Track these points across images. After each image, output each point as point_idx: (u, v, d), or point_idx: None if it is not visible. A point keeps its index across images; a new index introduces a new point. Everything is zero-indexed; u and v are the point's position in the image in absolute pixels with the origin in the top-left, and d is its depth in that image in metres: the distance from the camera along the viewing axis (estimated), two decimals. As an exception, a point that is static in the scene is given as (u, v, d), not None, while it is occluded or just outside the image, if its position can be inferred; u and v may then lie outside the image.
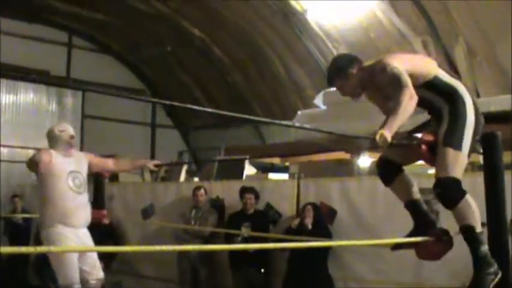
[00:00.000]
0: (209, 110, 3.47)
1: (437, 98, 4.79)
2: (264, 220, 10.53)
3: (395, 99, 4.61)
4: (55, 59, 20.17)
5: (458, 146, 4.62)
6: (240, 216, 10.61)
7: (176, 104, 3.34)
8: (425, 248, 4.85)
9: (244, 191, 10.71)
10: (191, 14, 18.87)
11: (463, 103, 4.75)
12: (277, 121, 4.10)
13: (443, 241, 4.88)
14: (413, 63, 4.88)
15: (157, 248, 3.39)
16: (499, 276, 4.64)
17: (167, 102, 3.04)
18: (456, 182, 4.49)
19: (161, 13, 18.97)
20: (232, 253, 10.39)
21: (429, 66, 4.94)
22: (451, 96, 4.76)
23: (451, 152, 4.63)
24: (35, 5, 18.88)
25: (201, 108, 3.66)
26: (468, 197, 4.57)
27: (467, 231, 4.64)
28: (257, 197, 10.69)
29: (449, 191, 4.50)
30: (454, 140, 4.64)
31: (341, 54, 5.55)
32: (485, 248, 4.65)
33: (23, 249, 2.70)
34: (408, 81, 4.62)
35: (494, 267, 4.63)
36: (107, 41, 21.68)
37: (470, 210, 4.56)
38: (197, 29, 19.39)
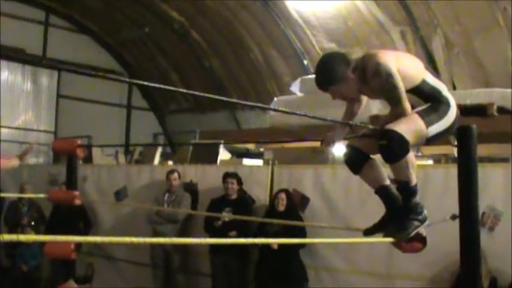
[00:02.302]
0: (184, 91, 3.39)
1: (422, 102, 4.75)
2: (246, 206, 10.48)
3: (394, 112, 4.61)
4: (31, 37, 20.02)
5: (427, 122, 4.59)
6: (222, 201, 10.56)
7: (152, 85, 3.26)
8: (400, 244, 4.85)
9: (226, 176, 10.65)
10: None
11: (447, 104, 4.74)
12: (253, 103, 4.03)
13: (419, 239, 4.89)
14: (404, 64, 4.69)
15: (133, 239, 3.33)
16: (425, 224, 4.74)
17: (144, 83, 2.94)
18: (403, 139, 4.40)
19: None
20: (213, 238, 10.33)
21: (418, 70, 4.77)
22: (435, 98, 4.73)
23: (417, 119, 4.59)
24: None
25: (178, 90, 3.63)
26: (411, 154, 4.55)
27: (403, 185, 4.65)
28: (239, 182, 10.65)
29: (394, 146, 4.43)
30: (426, 115, 4.62)
31: (331, 55, 5.00)
32: (416, 198, 4.70)
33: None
34: (403, 96, 4.55)
35: (422, 215, 4.72)
36: (86, 21, 21.57)
37: (408, 168, 4.54)
38: (176, 12, 19.32)
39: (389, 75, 4.53)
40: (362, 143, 4.88)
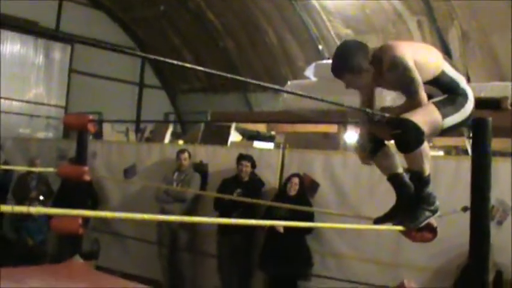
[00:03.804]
0: (197, 67, 3.31)
1: (440, 93, 4.71)
2: (256, 188, 10.46)
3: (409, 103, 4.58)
4: (45, 10, 19.90)
5: (443, 113, 4.56)
6: (233, 182, 10.55)
7: (165, 59, 3.22)
8: (410, 233, 4.84)
9: (241, 158, 10.64)
10: (187, -24, 18.77)
11: (465, 96, 4.70)
12: (268, 84, 3.96)
13: (430, 229, 4.87)
14: (421, 56, 4.65)
15: (141, 216, 3.31)
16: (437, 214, 4.74)
17: (157, 57, 2.89)
18: (418, 129, 4.39)
19: (157, -27, 18.87)
20: (222, 218, 10.34)
21: (437, 60, 4.73)
22: (453, 89, 4.70)
23: (433, 110, 4.56)
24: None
25: (192, 67, 3.57)
26: (425, 145, 4.53)
27: (416, 175, 4.64)
28: (253, 165, 10.63)
29: (409, 136, 4.41)
30: (443, 106, 4.60)
31: (352, 43, 4.86)
32: (429, 188, 4.69)
33: None
34: (420, 88, 4.53)
35: (434, 206, 4.72)
36: (100, -3, 21.51)
37: (422, 158, 4.53)
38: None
39: (405, 69, 4.51)
40: (377, 129, 4.84)
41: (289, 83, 13.39)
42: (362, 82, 4.71)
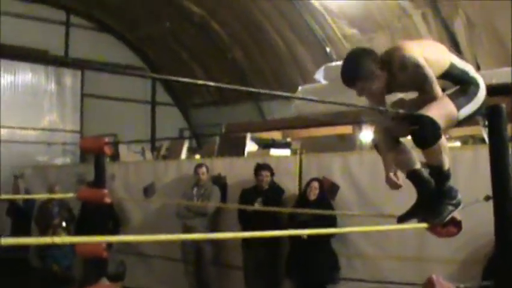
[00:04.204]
0: (210, 83, 3.29)
1: (451, 85, 4.70)
2: (277, 196, 10.45)
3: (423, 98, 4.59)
4: (53, 38, 20.10)
5: (457, 105, 4.55)
6: (253, 192, 10.55)
7: (176, 79, 3.22)
8: (435, 229, 4.81)
9: (260, 168, 10.63)
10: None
11: (476, 84, 4.69)
12: (281, 93, 3.92)
13: (454, 223, 4.85)
14: (429, 52, 4.64)
15: (165, 237, 3.31)
16: (460, 207, 4.73)
17: (169, 77, 2.93)
18: (435, 124, 4.36)
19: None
20: (245, 229, 10.33)
21: (444, 54, 4.75)
22: (464, 80, 4.69)
23: (448, 102, 4.55)
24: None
25: (204, 83, 3.56)
26: (443, 139, 4.51)
27: (436, 170, 4.63)
28: (272, 174, 10.64)
29: (427, 131, 4.39)
30: (457, 97, 4.59)
31: (359, 50, 4.83)
32: (450, 182, 4.69)
33: (24, 240, 2.64)
34: (435, 83, 4.53)
35: (457, 199, 4.71)
36: (106, 19, 21.61)
37: (441, 152, 4.51)
38: (196, 5, 19.29)
39: (417, 66, 4.51)
40: (393, 126, 4.82)
41: (300, 88, 13.37)
42: (374, 88, 4.67)
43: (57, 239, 2.88)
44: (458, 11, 14.26)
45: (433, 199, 4.71)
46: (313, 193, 9.77)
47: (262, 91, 4.16)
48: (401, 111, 4.62)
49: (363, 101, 5.11)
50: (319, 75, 12.81)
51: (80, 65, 20.49)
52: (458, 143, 11.44)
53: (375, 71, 4.60)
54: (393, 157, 4.91)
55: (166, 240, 9.59)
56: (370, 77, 4.59)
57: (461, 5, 14.20)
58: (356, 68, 4.61)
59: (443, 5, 14.51)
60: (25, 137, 19.06)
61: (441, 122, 4.41)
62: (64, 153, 20.08)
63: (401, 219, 4.85)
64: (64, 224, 12.74)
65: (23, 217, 13.77)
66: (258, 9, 18.36)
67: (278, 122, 14.65)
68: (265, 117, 20.12)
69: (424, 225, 4.70)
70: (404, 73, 4.57)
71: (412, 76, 4.55)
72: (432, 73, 4.53)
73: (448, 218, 4.69)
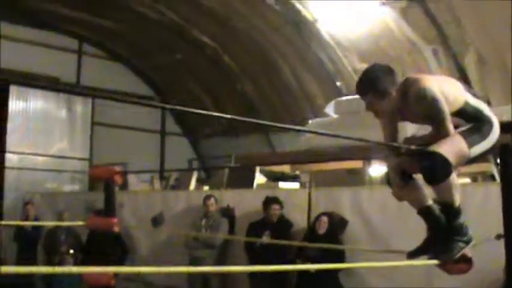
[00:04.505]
0: (221, 115, 3.31)
1: (465, 123, 4.73)
2: (285, 229, 10.43)
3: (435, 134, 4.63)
4: (65, 66, 20.20)
5: (469, 143, 4.58)
6: (261, 225, 10.54)
7: (185, 109, 3.24)
8: (445, 265, 4.81)
9: (269, 201, 10.63)
10: (201, 22, 18.89)
11: (490, 123, 4.72)
12: (292, 126, 3.93)
13: (465, 260, 4.84)
14: (446, 89, 4.69)
15: (171, 269, 3.33)
16: (471, 243, 4.71)
17: (178, 107, 2.91)
18: (446, 161, 4.39)
19: (172, 21, 19.00)
20: (252, 261, 10.32)
21: (460, 92, 4.78)
22: (478, 119, 4.72)
23: (460, 140, 4.57)
24: (46, 12, 18.93)
25: (212, 114, 3.58)
26: (454, 176, 4.53)
27: (447, 206, 4.64)
28: (282, 207, 10.63)
29: (437, 168, 4.40)
30: (469, 135, 4.61)
31: (382, 65, 4.92)
32: (461, 219, 4.68)
33: (25, 269, 2.66)
34: (448, 119, 4.58)
35: (467, 236, 4.69)
36: (117, 48, 21.73)
37: (451, 189, 4.53)
38: (207, 37, 19.39)
39: (434, 100, 4.55)
40: (404, 163, 4.84)
41: (310, 121, 13.42)
42: (382, 106, 4.72)
43: (59, 269, 2.90)
44: (469, 48, 14.32)
45: (444, 236, 4.71)
46: (322, 227, 9.75)
47: (272, 124, 4.08)
48: (412, 146, 4.65)
49: (372, 136, 5.13)
50: (329, 109, 12.86)
51: (92, 94, 20.52)
52: (467, 180, 11.44)
53: (390, 90, 4.66)
54: (406, 193, 4.93)
55: (173, 272, 9.62)
56: (383, 93, 4.67)
57: (472, 42, 14.25)
58: (374, 80, 4.70)
59: (454, 42, 14.56)
60: (35, 164, 19.10)
61: (452, 158, 4.43)
62: (72, 180, 20.09)
63: (411, 255, 4.85)
64: (71, 251, 12.75)
65: (30, 243, 13.76)
66: (270, 43, 18.45)
67: (288, 155, 14.66)
68: (274, 150, 20.12)
69: (435, 261, 4.70)
70: (419, 105, 4.61)
71: (427, 109, 4.59)
72: (447, 109, 4.56)
73: (458, 255, 4.68)
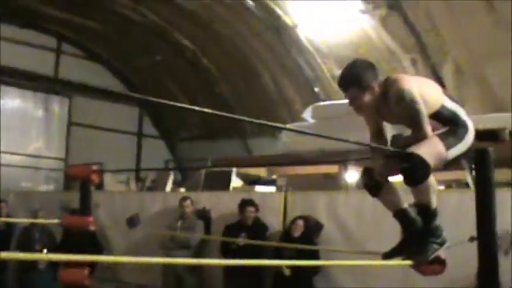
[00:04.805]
0: (196, 108, 3.30)
1: (440, 126, 4.80)
2: (260, 232, 10.46)
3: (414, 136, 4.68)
4: (43, 64, 20.13)
5: (447, 145, 4.65)
6: (237, 227, 10.56)
7: (158, 100, 3.24)
8: (420, 266, 4.87)
9: (244, 203, 10.67)
10: (182, 25, 18.92)
11: (465, 127, 4.79)
12: (267, 122, 3.92)
13: (439, 262, 4.90)
14: (425, 90, 4.76)
15: (144, 259, 3.34)
16: (445, 245, 4.80)
17: (152, 99, 2.86)
18: (425, 163, 4.44)
19: (153, 23, 19.02)
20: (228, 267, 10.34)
21: (437, 95, 4.85)
22: (454, 121, 4.79)
23: (437, 142, 4.64)
24: (26, 10, 18.87)
25: (186, 106, 3.57)
26: (432, 178, 4.60)
27: (424, 208, 4.72)
28: (257, 209, 10.67)
29: (416, 169, 4.46)
30: (446, 138, 4.69)
31: (364, 60, 5.00)
32: (437, 221, 4.77)
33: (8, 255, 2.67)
34: (426, 121, 4.64)
35: (441, 238, 4.78)
36: (97, 49, 21.69)
37: (429, 191, 4.62)
38: (188, 40, 19.41)
39: (413, 101, 4.61)
40: (380, 165, 4.89)
41: (288, 126, 13.47)
42: (365, 101, 4.77)
43: (43, 256, 2.93)
44: (447, 58, 14.43)
45: (419, 237, 4.77)
46: (298, 230, 9.81)
47: (249, 120, 4.04)
48: (391, 148, 4.71)
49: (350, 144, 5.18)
50: (307, 114, 12.91)
51: (67, 92, 20.49)
52: (442, 187, 11.53)
53: (372, 84, 4.72)
54: (381, 196, 4.98)
55: (148, 263, 9.62)
56: (365, 87, 4.72)
57: (450, 51, 14.37)
58: (356, 73, 4.75)
59: (433, 51, 14.68)
60: (9, 162, 19.01)
61: (430, 160, 4.49)
62: (47, 180, 20.02)
63: (386, 256, 4.90)
64: (45, 250, 12.70)
65: (3, 241, 13.67)
66: (249, 47, 18.50)
67: (264, 158, 14.71)
68: (252, 153, 20.16)
69: (409, 262, 4.75)
70: (398, 105, 4.67)
71: (406, 110, 4.65)
72: (425, 111, 4.63)
73: (432, 257, 4.74)
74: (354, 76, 4.76)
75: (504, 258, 7.91)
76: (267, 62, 18.60)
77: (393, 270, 8.42)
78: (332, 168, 12.22)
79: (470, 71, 14.28)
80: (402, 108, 4.65)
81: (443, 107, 4.80)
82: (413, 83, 4.73)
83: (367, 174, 4.98)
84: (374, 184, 4.93)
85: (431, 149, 4.58)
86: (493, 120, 10.09)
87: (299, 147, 11.93)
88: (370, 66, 4.86)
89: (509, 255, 8.10)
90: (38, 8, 18.88)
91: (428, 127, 4.65)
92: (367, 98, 4.75)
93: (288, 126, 13.31)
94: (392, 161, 4.73)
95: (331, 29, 15.99)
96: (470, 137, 4.78)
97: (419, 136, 4.64)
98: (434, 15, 14.16)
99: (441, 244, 4.79)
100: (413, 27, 14.59)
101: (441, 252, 4.82)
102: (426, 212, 4.73)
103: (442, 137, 4.69)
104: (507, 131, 9.58)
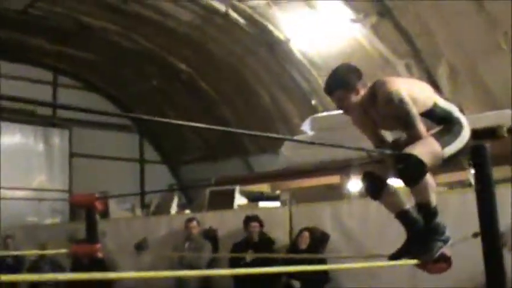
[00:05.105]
0: (194, 124, 3.33)
1: (435, 124, 4.84)
2: (268, 247, 10.48)
3: (409, 137, 4.74)
4: (41, 97, 20.12)
5: (442, 143, 4.69)
6: (244, 245, 10.59)
7: (155, 119, 3.26)
8: (425, 265, 4.88)
9: (248, 219, 10.73)
10: (176, 48, 18.96)
11: (459, 124, 4.83)
12: (277, 135, 3.97)
13: (444, 259, 4.92)
14: (415, 90, 4.84)
15: (153, 274, 3.37)
16: (449, 243, 4.82)
17: (154, 118, 2.84)
18: (421, 163, 4.49)
19: (146, 49, 19.08)
20: (237, 280, 10.36)
21: (429, 94, 4.93)
22: (448, 120, 4.83)
23: (432, 141, 4.68)
24: (20, 45, 18.95)
25: (185, 124, 3.61)
26: (429, 176, 4.63)
27: (424, 207, 4.73)
28: (261, 225, 10.71)
29: (412, 169, 4.51)
30: (441, 136, 4.73)
31: (348, 64, 5.23)
32: (438, 219, 4.78)
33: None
34: (418, 120, 4.69)
35: (445, 236, 4.79)
36: (93, 79, 21.75)
37: (427, 190, 4.63)
38: (183, 63, 19.46)
39: (402, 102, 4.66)
40: (380, 169, 4.93)
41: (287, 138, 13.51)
42: (351, 102, 4.83)
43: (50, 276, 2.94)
44: (441, 61, 14.47)
45: (422, 236, 4.80)
46: (304, 242, 9.84)
47: (252, 133, 4.06)
48: (388, 151, 4.75)
49: (349, 151, 5.21)
50: (305, 127, 12.96)
51: (66, 125, 20.55)
52: (445, 189, 11.55)
53: (357, 85, 4.80)
54: (383, 199, 5.02)
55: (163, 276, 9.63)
56: (350, 88, 4.80)
57: (443, 54, 14.41)
58: (339, 76, 4.85)
59: (426, 55, 14.72)
60: (13, 197, 19.04)
61: (426, 159, 4.52)
62: (52, 213, 20.02)
63: (392, 258, 4.92)
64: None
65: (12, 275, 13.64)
66: (244, 65, 18.55)
67: (266, 174, 14.76)
68: (253, 171, 20.17)
69: (414, 261, 4.77)
70: (388, 107, 4.72)
71: (395, 111, 4.70)
72: (415, 110, 4.68)
73: (437, 254, 4.76)
74: (338, 79, 4.85)
75: (509, 255, 7.93)
76: (262, 78, 18.65)
77: (400, 272, 8.44)
78: (334, 179, 12.25)
79: (464, 72, 14.32)
80: (392, 109, 4.71)
81: (435, 105, 4.86)
82: (401, 84, 4.80)
83: (367, 178, 5.02)
84: (374, 187, 4.97)
85: (426, 148, 4.62)
86: (490, 118, 10.12)
87: (300, 160, 11.99)
88: (352, 68, 4.97)
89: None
90: (30, 42, 18.97)
91: (421, 126, 4.70)
92: (353, 99, 4.82)
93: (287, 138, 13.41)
94: (391, 164, 4.77)
95: (323, 40, 16.05)
96: (465, 134, 4.82)
97: (414, 137, 4.69)
98: (425, 18, 14.21)
99: (446, 241, 4.80)
100: (405, 32, 14.63)
101: (446, 250, 4.84)
102: (427, 210, 4.74)
103: (437, 136, 4.73)
104: (505, 128, 9.60)
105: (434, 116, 4.85)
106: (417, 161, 4.49)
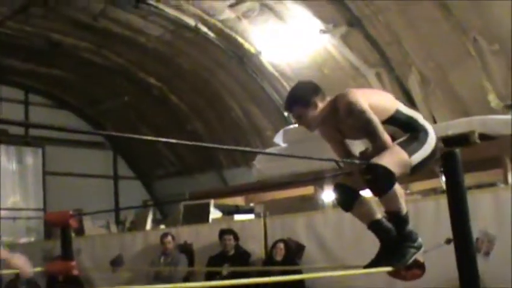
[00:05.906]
0: (171, 140, 3.30)
1: (399, 131, 4.90)
2: (243, 260, 10.50)
3: (373, 144, 4.80)
4: (12, 117, 20.02)
5: (409, 151, 4.75)
6: (220, 258, 10.60)
7: (130, 136, 3.24)
8: (399, 273, 4.92)
9: (223, 233, 10.78)
10: (147, 64, 18.94)
11: (425, 131, 4.90)
12: (248, 149, 4.02)
13: (418, 266, 4.95)
14: (374, 99, 4.91)
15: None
16: (422, 250, 4.86)
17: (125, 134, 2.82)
18: (389, 172, 4.55)
19: (117, 65, 19.03)
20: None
21: (390, 101, 5.01)
22: (412, 126, 4.90)
23: (399, 150, 4.74)
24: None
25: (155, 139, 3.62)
26: (397, 185, 4.68)
27: (396, 215, 4.80)
28: (236, 238, 10.73)
29: (380, 179, 4.57)
30: (407, 144, 4.80)
31: (304, 81, 5.29)
32: (410, 226, 4.84)
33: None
34: (380, 129, 4.74)
35: (417, 242, 4.84)
36: (64, 96, 21.65)
37: (397, 198, 4.69)
38: (154, 78, 19.44)
39: (361, 112, 4.74)
40: (351, 180, 4.97)
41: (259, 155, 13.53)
42: (310, 117, 4.92)
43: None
44: (411, 69, 14.55)
45: (395, 244, 4.83)
46: (279, 254, 9.86)
47: (225, 147, 4.07)
48: (356, 161, 4.80)
49: (320, 163, 5.23)
50: (278, 139, 12.98)
51: (39, 143, 20.46)
52: (419, 197, 11.61)
53: (315, 100, 4.89)
54: (354, 210, 5.05)
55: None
56: (307, 105, 4.89)
57: (414, 62, 14.50)
58: (297, 94, 4.99)
59: (397, 64, 14.80)
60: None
61: (394, 168, 4.58)
62: (28, 232, 19.93)
63: (367, 267, 4.95)
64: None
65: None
66: (215, 79, 18.56)
67: (240, 188, 14.80)
68: (227, 185, 20.17)
69: (388, 268, 4.80)
70: (350, 118, 4.80)
71: (357, 121, 4.77)
72: (376, 119, 4.75)
73: (410, 261, 4.80)
74: (295, 96, 4.98)
75: (485, 259, 8.00)
76: (234, 91, 18.66)
77: (375, 282, 8.46)
78: (308, 190, 12.30)
79: (435, 80, 14.40)
80: (354, 119, 4.79)
81: (397, 111, 4.94)
82: (359, 95, 4.86)
83: (338, 189, 5.06)
84: (346, 199, 5.01)
85: (393, 157, 4.68)
86: (462, 125, 10.17)
87: (273, 172, 12.04)
88: (309, 85, 5.09)
89: (489, 256, 8.15)
90: (1, 62, 18.86)
91: (384, 135, 4.76)
92: (311, 114, 4.91)
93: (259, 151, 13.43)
94: (360, 175, 4.81)
95: (294, 52, 16.09)
96: (431, 141, 4.90)
97: (379, 145, 4.75)
98: (394, 27, 14.28)
99: (418, 248, 4.85)
100: (375, 41, 14.70)
101: (420, 256, 4.88)
102: (398, 218, 4.80)
103: (403, 144, 4.80)
104: (476, 134, 9.68)
105: (398, 122, 4.93)
106: (386, 171, 4.55)
